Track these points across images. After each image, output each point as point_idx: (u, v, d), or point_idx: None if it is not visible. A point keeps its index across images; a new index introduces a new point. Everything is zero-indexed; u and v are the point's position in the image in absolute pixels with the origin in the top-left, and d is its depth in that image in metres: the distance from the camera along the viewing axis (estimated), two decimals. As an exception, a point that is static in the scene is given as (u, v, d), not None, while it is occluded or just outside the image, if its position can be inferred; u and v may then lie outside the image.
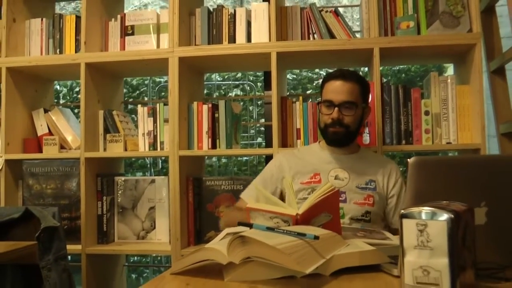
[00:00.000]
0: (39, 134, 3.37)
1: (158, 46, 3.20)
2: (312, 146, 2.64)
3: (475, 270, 1.13)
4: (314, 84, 6.06)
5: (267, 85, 3.42)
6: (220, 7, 3.15)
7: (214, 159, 5.84)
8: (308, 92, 5.84)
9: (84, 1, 3.17)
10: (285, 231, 1.34)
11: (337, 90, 2.40)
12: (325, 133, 2.45)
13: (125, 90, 3.82)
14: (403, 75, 6.06)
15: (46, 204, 3.15)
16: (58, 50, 3.31)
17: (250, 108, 5.51)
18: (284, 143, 2.97)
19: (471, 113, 2.86)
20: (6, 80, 3.21)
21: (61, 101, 6.01)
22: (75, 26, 3.30)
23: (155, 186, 3.22)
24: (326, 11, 3.04)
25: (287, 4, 3.28)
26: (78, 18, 3.28)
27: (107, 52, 3.26)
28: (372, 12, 2.92)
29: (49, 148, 3.23)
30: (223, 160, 5.90)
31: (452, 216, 1.04)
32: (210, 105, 3.10)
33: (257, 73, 5.91)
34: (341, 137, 2.42)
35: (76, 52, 3.27)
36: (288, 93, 3.90)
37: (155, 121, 3.15)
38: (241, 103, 3.63)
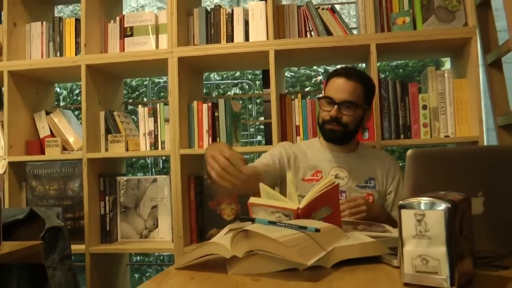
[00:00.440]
0: (41, 136, 3.40)
1: (157, 46, 3.23)
2: (313, 141, 2.62)
3: (473, 259, 1.16)
4: (313, 81, 6.08)
5: (265, 83, 3.44)
6: (218, 7, 3.18)
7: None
8: (307, 89, 5.87)
9: (83, 4, 3.19)
10: (286, 225, 1.37)
11: (339, 88, 2.37)
12: (323, 129, 2.44)
13: (124, 91, 3.84)
14: (401, 70, 6.08)
15: (49, 205, 3.17)
16: (58, 53, 3.34)
17: (249, 106, 5.53)
18: (283, 140, 2.99)
19: (469, 106, 2.88)
20: (8, 84, 3.24)
21: (61, 104, 6.04)
22: (75, 28, 3.32)
23: (157, 185, 3.24)
24: (323, 9, 3.06)
25: (284, 2, 3.31)
26: (77, 21, 3.31)
27: (107, 54, 3.29)
28: (368, 8, 2.95)
29: (51, 150, 3.26)
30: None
31: (449, 205, 1.07)
32: (210, 104, 3.12)
33: (256, 72, 5.92)
34: (338, 136, 2.41)
35: (76, 54, 3.30)
36: (286, 91, 3.92)
37: (155, 121, 3.18)
38: (240, 102, 3.66)
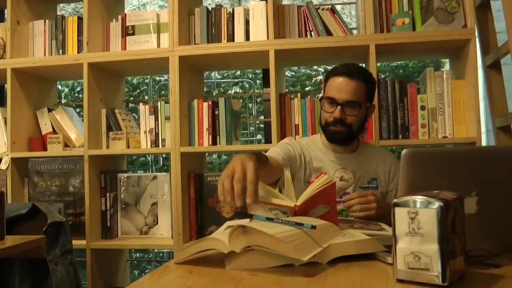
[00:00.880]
0: (43, 133, 3.43)
1: (158, 45, 3.26)
2: (315, 139, 2.55)
3: (466, 257, 1.19)
4: (313, 81, 6.10)
5: (266, 83, 3.47)
6: (219, 7, 3.20)
7: (214, 156, 5.89)
8: (307, 89, 5.89)
9: (86, 3, 3.22)
10: (283, 221, 1.40)
11: (341, 87, 2.30)
12: (326, 131, 2.38)
13: (125, 89, 3.87)
14: (401, 71, 6.10)
15: (51, 201, 3.20)
16: (61, 51, 3.37)
17: (250, 105, 5.55)
18: (283, 139, 3.02)
19: (467, 107, 2.91)
20: (11, 81, 3.28)
21: (63, 101, 6.06)
22: (77, 27, 3.36)
23: (157, 182, 3.27)
24: (323, 9, 3.08)
25: (284, 2, 3.33)
26: (80, 19, 3.34)
27: (109, 52, 3.32)
28: (368, 9, 2.97)
29: (53, 146, 3.29)
30: (224, 157, 5.95)
31: (442, 204, 1.10)
32: (210, 103, 3.15)
33: (256, 71, 5.94)
34: (342, 137, 2.35)
35: (78, 52, 3.33)
36: (287, 90, 3.94)
37: (156, 119, 3.21)
38: (241, 101, 3.69)
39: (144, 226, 3.28)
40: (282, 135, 3.04)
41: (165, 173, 3.30)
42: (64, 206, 2.74)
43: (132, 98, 5.92)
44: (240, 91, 5.93)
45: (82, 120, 3.35)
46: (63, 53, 3.36)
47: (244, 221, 1.46)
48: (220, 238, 1.37)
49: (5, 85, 3.39)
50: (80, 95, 6.21)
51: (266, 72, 3.35)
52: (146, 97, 6.01)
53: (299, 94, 3.10)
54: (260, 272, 1.27)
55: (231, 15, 3.18)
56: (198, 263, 1.41)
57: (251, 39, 3.13)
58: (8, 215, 2.37)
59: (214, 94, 5.76)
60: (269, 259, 1.31)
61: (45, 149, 3.35)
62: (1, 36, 3.39)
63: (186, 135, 3.14)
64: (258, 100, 5.43)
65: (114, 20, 3.36)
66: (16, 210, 2.58)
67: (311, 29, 3.10)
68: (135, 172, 5.72)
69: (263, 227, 1.28)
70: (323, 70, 5.83)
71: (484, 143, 2.82)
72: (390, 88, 2.99)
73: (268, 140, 3.19)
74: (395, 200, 1.16)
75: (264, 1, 3.10)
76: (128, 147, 3.23)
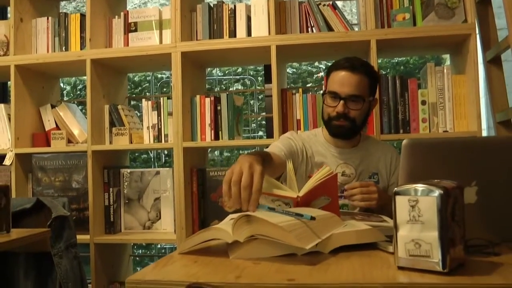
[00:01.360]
0: (47, 129, 3.45)
1: (160, 42, 3.27)
2: (317, 133, 2.52)
3: (466, 246, 1.20)
4: (314, 77, 6.12)
5: (267, 79, 3.47)
6: (221, 3, 3.22)
7: (216, 153, 5.90)
8: (308, 85, 5.90)
9: (88, 0, 3.24)
10: (284, 212, 1.41)
11: (343, 81, 2.27)
12: (329, 125, 2.36)
13: (127, 87, 3.89)
14: (402, 67, 6.11)
15: (55, 196, 3.22)
16: (64, 48, 3.39)
17: (251, 102, 5.57)
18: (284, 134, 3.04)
19: (467, 102, 2.92)
20: (14, 77, 3.30)
21: (65, 99, 6.07)
22: (80, 24, 3.37)
23: (159, 177, 3.29)
24: (324, 5, 3.10)
25: (285, -2, 3.35)
26: (82, 16, 3.36)
27: (112, 48, 3.34)
28: (369, 5, 2.98)
29: (56, 142, 3.31)
30: (226, 154, 5.96)
31: (442, 192, 1.12)
32: (212, 98, 3.17)
33: (258, 68, 5.95)
34: (345, 131, 2.33)
35: (81, 49, 3.35)
36: (288, 87, 3.96)
37: (159, 115, 3.23)
38: (242, 97, 3.70)
39: (147, 221, 3.30)
40: (284, 130, 3.05)
41: (167, 168, 3.32)
42: (68, 201, 2.76)
43: (134, 95, 5.93)
44: (242, 88, 5.94)
45: (85, 116, 3.37)
46: (66, 50, 3.38)
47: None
48: (224, 228, 1.38)
49: (9, 82, 3.40)
50: (82, 93, 6.22)
51: (267, 68, 3.36)
52: (148, 94, 6.02)
53: (300, 90, 3.12)
54: (264, 261, 1.29)
55: (233, 11, 3.20)
56: (202, 253, 1.42)
57: (252, 35, 3.15)
58: (13, 209, 2.37)
59: (215, 90, 5.77)
60: (272, 248, 1.33)
61: (49, 145, 3.38)
62: (5, 34, 3.41)
63: (188, 130, 3.16)
64: (259, 97, 5.45)
65: (116, 17, 3.38)
66: (20, 205, 2.60)
67: (312, 25, 3.12)
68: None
69: (267, 217, 1.30)
70: (324, 67, 5.84)
71: (482, 137, 2.82)
72: (391, 83, 3.00)
73: (270, 135, 3.21)
74: (395, 188, 1.18)
75: (266, -3, 3.12)
76: (131, 143, 3.25)
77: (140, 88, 6.26)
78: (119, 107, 3.33)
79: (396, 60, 6.11)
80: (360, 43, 3.02)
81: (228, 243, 1.38)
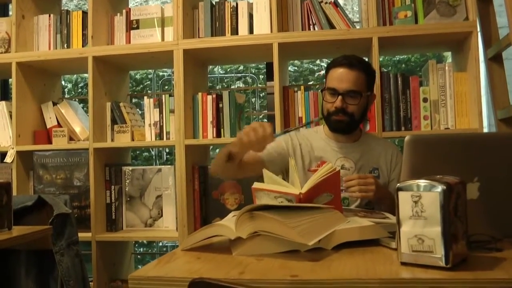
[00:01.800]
0: (48, 126, 3.45)
1: (162, 39, 3.27)
2: (318, 130, 2.59)
3: (468, 242, 1.21)
4: (316, 75, 6.12)
5: (269, 76, 3.48)
6: (223, 1, 3.22)
7: (218, 150, 5.90)
8: (310, 83, 5.90)
9: (91, -3, 3.25)
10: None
11: (341, 78, 2.35)
12: (328, 121, 2.42)
13: (129, 85, 3.89)
14: (403, 65, 6.12)
15: (56, 194, 3.22)
16: (65, 45, 3.39)
17: (253, 100, 5.57)
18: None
19: (469, 99, 2.92)
20: (16, 75, 3.29)
21: (67, 96, 6.08)
22: (82, 21, 3.36)
23: (161, 175, 3.29)
24: (326, 3, 3.10)
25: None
26: (84, 13, 3.36)
27: (114, 46, 3.33)
28: (371, 2, 2.98)
29: (58, 140, 3.31)
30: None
31: (445, 187, 1.12)
32: (214, 96, 3.17)
33: (259, 66, 5.95)
34: (344, 126, 2.39)
35: (83, 46, 3.34)
36: (289, 84, 3.96)
37: (161, 112, 3.23)
38: (244, 95, 3.69)
39: (149, 219, 3.30)
40: (286, 127, 3.05)
41: (169, 165, 3.32)
42: (70, 199, 2.76)
43: (136, 93, 5.93)
44: (243, 86, 5.95)
45: (87, 113, 3.37)
46: (68, 47, 3.38)
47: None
48: (227, 224, 1.39)
49: (10, 79, 3.40)
50: (84, 91, 6.22)
51: (269, 66, 3.36)
52: (149, 92, 6.02)
53: (302, 87, 3.12)
54: (266, 257, 1.30)
55: (235, 9, 3.20)
56: (205, 250, 1.43)
57: (254, 33, 3.15)
58: (14, 207, 2.36)
59: (217, 88, 5.78)
60: (275, 244, 1.33)
61: (50, 142, 3.37)
62: (6, 31, 3.41)
63: (190, 127, 3.16)
64: (261, 94, 5.45)
65: (118, 14, 3.38)
66: (22, 202, 2.60)
67: (314, 22, 3.12)
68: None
69: (270, 213, 1.30)
70: (325, 65, 5.84)
71: (483, 134, 2.82)
72: (393, 81, 3.00)
73: (271, 133, 3.20)
74: (398, 184, 1.18)
75: (268, -5, 3.12)
76: (133, 140, 3.25)
77: (141, 86, 6.26)
78: (121, 104, 3.33)
79: (398, 58, 6.11)
80: (362, 41, 3.02)
81: (231, 239, 1.38)
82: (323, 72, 5.95)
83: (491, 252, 1.28)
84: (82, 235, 2.96)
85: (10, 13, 3.54)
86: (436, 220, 1.12)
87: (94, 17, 3.24)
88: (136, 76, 6.21)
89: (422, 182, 1.15)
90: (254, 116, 5.04)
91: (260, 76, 5.97)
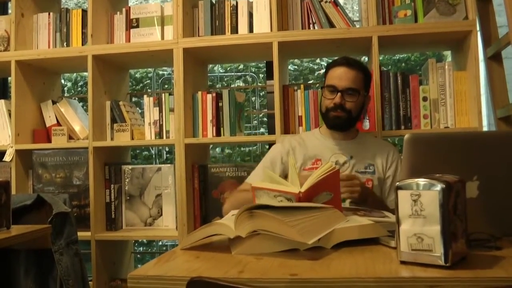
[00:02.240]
0: (47, 125, 3.45)
1: (162, 38, 3.27)
2: (314, 131, 2.67)
3: (468, 240, 1.21)
4: (316, 74, 6.11)
5: (269, 75, 3.47)
6: (223, -1, 3.23)
7: (218, 150, 5.91)
8: (310, 82, 5.89)
9: (90, -4, 3.25)
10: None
11: (341, 76, 2.44)
12: (326, 117, 2.50)
13: (129, 83, 3.88)
14: (403, 64, 6.11)
15: (55, 193, 3.22)
16: (65, 43, 3.39)
17: (253, 99, 5.56)
18: (286, 130, 3.04)
19: (468, 98, 2.92)
20: (15, 73, 3.29)
21: (66, 95, 6.07)
22: (82, 19, 3.36)
23: (161, 174, 3.29)
24: (326, 2, 3.09)
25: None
26: (84, 11, 3.36)
27: (113, 44, 3.33)
28: (371, 1, 2.98)
29: (57, 139, 3.30)
30: (227, 151, 5.96)
31: (444, 186, 1.12)
32: (214, 95, 3.17)
33: (259, 65, 5.94)
34: (342, 122, 2.47)
35: (83, 45, 3.34)
36: (289, 83, 3.96)
37: (160, 111, 3.23)
38: (244, 93, 3.68)
39: (149, 218, 3.30)
40: (286, 126, 3.06)
41: (169, 164, 3.32)
42: (69, 198, 2.75)
43: (135, 92, 5.93)
44: (243, 85, 5.94)
45: (86, 112, 3.37)
46: (67, 45, 3.38)
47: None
48: (226, 223, 1.39)
49: (9, 77, 3.40)
50: (83, 90, 6.21)
51: (269, 65, 3.36)
52: (149, 91, 6.01)
53: (302, 86, 3.12)
54: (266, 256, 1.30)
55: (235, 8, 3.20)
56: (204, 249, 1.43)
57: (254, 32, 3.15)
58: (13, 206, 2.36)
59: (217, 87, 5.77)
60: (275, 243, 1.33)
61: (50, 141, 3.37)
62: (6, 29, 3.41)
63: (190, 126, 3.16)
64: (261, 94, 5.45)
65: (118, 13, 3.37)
66: (21, 201, 2.59)
67: (314, 21, 3.12)
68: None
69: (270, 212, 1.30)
70: (325, 64, 5.83)
71: (483, 133, 2.82)
72: (393, 80, 3.00)
73: (271, 132, 3.20)
74: (398, 183, 1.18)
75: (268, -6, 3.12)
76: (133, 139, 3.25)
77: (141, 84, 6.25)
78: (121, 103, 3.33)
79: (398, 57, 6.11)
80: (362, 40, 3.02)
81: (230, 238, 1.38)
82: (323, 71, 5.94)
83: (490, 251, 1.28)
84: (82, 234, 2.95)
85: (10, 11, 3.53)
86: (436, 219, 1.12)
87: (93, 16, 3.24)
88: (136, 75, 6.20)
89: (422, 181, 1.15)
90: (254, 115, 5.03)
91: (260, 75, 5.96)
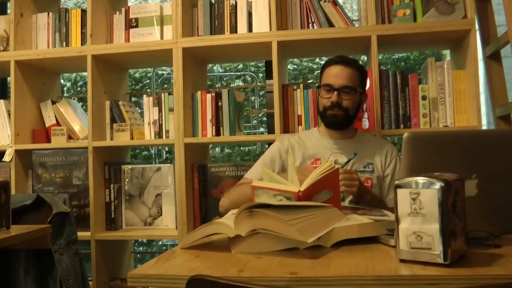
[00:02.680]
0: (47, 125, 3.45)
1: (161, 37, 3.27)
2: (313, 131, 2.68)
3: (467, 238, 1.21)
4: (315, 74, 6.12)
5: (268, 74, 3.48)
6: (222, -1, 3.23)
7: (217, 149, 5.91)
8: (309, 81, 5.90)
9: (90, -5, 3.25)
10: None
11: (337, 74, 2.46)
12: (324, 116, 2.52)
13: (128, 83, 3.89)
14: (403, 63, 6.12)
15: (55, 193, 3.22)
16: (64, 43, 3.39)
17: (252, 98, 5.57)
18: (285, 129, 3.04)
19: (467, 97, 2.93)
20: (14, 73, 3.29)
21: (65, 95, 6.07)
22: (81, 19, 3.36)
23: (161, 173, 3.29)
24: (325, 1, 3.09)
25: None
26: (83, 11, 3.36)
27: (113, 44, 3.33)
28: (370, 0, 2.98)
29: (57, 138, 3.30)
30: (226, 150, 5.97)
31: (443, 184, 1.12)
32: (213, 94, 3.17)
33: (259, 64, 5.95)
34: (339, 120, 2.48)
35: (82, 45, 3.34)
36: (289, 82, 3.96)
37: (160, 110, 3.23)
38: (243, 93, 3.68)
39: (149, 218, 3.30)
40: (285, 126, 3.06)
41: (169, 164, 3.32)
42: (69, 198, 2.75)
43: (135, 91, 5.93)
44: (243, 84, 5.94)
45: (86, 112, 3.37)
46: (67, 45, 3.37)
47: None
48: (226, 222, 1.39)
49: (9, 77, 3.40)
50: (83, 89, 6.22)
51: (269, 64, 3.36)
52: (149, 91, 6.02)
53: (301, 85, 3.12)
54: (266, 255, 1.30)
55: (234, 7, 3.20)
56: (204, 248, 1.43)
57: (254, 31, 3.15)
58: (13, 206, 2.36)
59: (217, 87, 5.78)
60: (275, 242, 1.33)
61: (49, 141, 3.37)
62: (5, 29, 3.41)
63: (189, 126, 3.16)
64: (260, 93, 5.45)
65: (117, 12, 3.37)
66: (21, 201, 2.59)
67: (313, 20, 3.12)
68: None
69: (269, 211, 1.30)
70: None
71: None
72: (392, 79, 3.00)
73: (271, 131, 3.21)
74: (397, 181, 1.19)
75: (267, -7, 3.13)
76: (132, 139, 3.25)
77: (141, 84, 6.26)
78: (120, 103, 3.33)
79: (397, 56, 6.12)
80: (361, 39, 3.02)
81: (230, 237, 1.38)
82: (321, 70, 5.95)
83: (489, 249, 1.29)
84: (82, 234, 2.96)
85: (9, 11, 3.53)
86: (435, 217, 1.12)
87: (93, 16, 3.24)
88: (135, 75, 6.21)
89: (421, 179, 1.15)
90: (254, 115, 5.04)
91: (260, 74, 5.97)
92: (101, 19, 3.34)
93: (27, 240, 2.25)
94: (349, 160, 2.31)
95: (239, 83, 6.03)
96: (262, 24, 3.13)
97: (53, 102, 3.49)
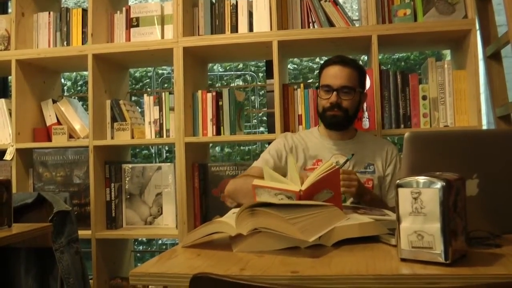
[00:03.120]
0: (48, 124, 3.45)
1: (162, 37, 3.27)
2: (313, 131, 2.67)
3: (468, 238, 1.22)
4: (315, 73, 6.11)
5: (269, 74, 3.48)
6: (222, -2, 3.23)
7: (217, 149, 5.91)
8: (309, 81, 5.90)
9: (90, -5, 3.25)
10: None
11: (335, 75, 2.45)
12: (324, 117, 2.51)
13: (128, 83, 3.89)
14: (403, 63, 6.12)
15: (56, 192, 3.22)
16: (65, 43, 3.39)
17: (252, 98, 5.57)
18: (286, 129, 3.04)
19: (468, 97, 2.93)
20: (15, 72, 3.29)
21: (66, 94, 6.07)
22: (82, 19, 3.37)
23: (161, 173, 3.30)
24: (325, 1, 3.10)
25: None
26: (84, 11, 3.36)
27: (114, 43, 3.34)
28: (370, 0, 2.99)
29: (58, 137, 3.31)
30: (227, 150, 5.96)
31: (444, 183, 1.13)
32: (214, 93, 3.17)
33: (259, 64, 5.95)
34: (339, 121, 2.47)
35: (83, 44, 3.34)
36: (289, 82, 3.96)
37: (160, 110, 3.23)
38: (244, 92, 3.68)
39: (149, 217, 3.31)
40: (285, 125, 3.06)
41: (169, 163, 3.32)
42: (69, 196, 2.75)
43: (135, 91, 5.93)
44: (243, 84, 5.94)
45: (87, 111, 3.37)
46: (68, 44, 3.38)
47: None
48: (227, 221, 1.39)
49: (10, 76, 3.40)
50: (83, 89, 6.21)
51: (269, 64, 3.36)
52: (149, 90, 6.01)
53: (302, 85, 3.13)
54: (267, 254, 1.31)
55: (235, 7, 3.20)
56: (205, 246, 1.44)
57: (254, 30, 3.15)
58: (14, 204, 2.36)
59: (217, 86, 5.78)
60: (276, 241, 1.34)
61: (50, 140, 3.37)
62: (6, 28, 3.41)
63: (190, 125, 3.17)
64: (260, 93, 5.45)
65: (118, 12, 3.38)
66: (22, 200, 2.59)
67: (313, 20, 3.12)
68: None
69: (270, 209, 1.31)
70: (325, 63, 5.82)
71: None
72: (392, 79, 3.01)
73: (271, 131, 3.20)
74: (398, 181, 1.19)
75: (267, -7, 3.13)
76: (133, 138, 3.25)
77: (141, 83, 6.25)
78: (121, 102, 3.33)
79: (397, 56, 6.12)
80: (361, 39, 3.03)
81: (231, 236, 1.39)
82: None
83: (490, 248, 1.29)
84: (82, 233, 2.96)
85: (10, 10, 3.53)
86: (436, 217, 1.13)
87: (94, 15, 3.25)
88: (136, 74, 6.20)
89: (422, 179, 1.16)
90: (254, 114, 5.04)
91: (260, 74, 5.96)
92: (102, 19, 3.34)
93: (28, 238, 2.26)
94: (346, 161, 2.31)
95: (240, 82, 6.02)
96: (263, 23, 3.13)
97: (54, 101, 3.50)
